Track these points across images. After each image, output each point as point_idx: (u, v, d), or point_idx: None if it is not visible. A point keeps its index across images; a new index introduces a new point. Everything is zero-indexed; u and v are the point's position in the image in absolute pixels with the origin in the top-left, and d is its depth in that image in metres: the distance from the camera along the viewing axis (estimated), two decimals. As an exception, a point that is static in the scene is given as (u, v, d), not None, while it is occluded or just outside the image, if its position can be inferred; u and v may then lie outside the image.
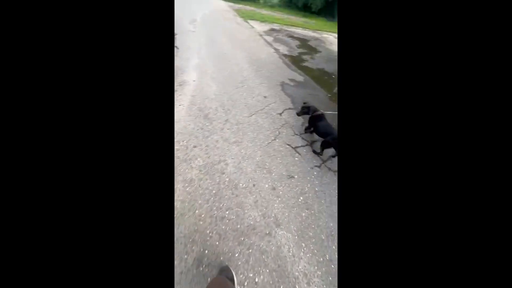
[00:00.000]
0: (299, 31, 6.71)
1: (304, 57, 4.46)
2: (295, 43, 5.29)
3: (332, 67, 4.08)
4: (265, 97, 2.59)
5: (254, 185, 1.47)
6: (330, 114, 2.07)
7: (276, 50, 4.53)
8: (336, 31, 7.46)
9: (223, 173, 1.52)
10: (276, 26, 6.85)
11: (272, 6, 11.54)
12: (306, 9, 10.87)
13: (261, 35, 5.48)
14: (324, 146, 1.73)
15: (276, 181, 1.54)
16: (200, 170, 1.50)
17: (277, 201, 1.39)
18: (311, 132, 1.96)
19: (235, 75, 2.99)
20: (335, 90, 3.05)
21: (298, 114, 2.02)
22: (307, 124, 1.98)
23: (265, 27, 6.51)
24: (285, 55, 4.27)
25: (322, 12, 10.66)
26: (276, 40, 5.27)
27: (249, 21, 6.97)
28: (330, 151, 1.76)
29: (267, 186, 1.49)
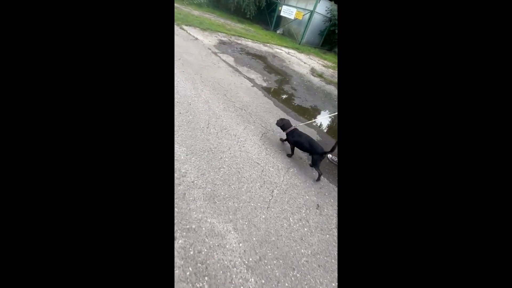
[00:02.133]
0: (250, 44, 5.74)
1: (286, 88, 3.61)
2: (260, 65, 4.30)
3: (319, 101, 3.52)
4: (318, 206, 1.52)
5: None
6: (302, 125, 2.23)
7: (251, 80, 3.35)
8: (280, 43, 7.21)
9: None
10: (222, 37, 5.48)
11: (199, 5, 9.66)
12: (238, 14, 9.97)
13: (215, 54, 4.02)
14: (317, 163, 1.67)
15: None
16: None
17: None
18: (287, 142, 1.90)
19: (247, 172, 1.57)
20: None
21: (277, 125, 1.88)
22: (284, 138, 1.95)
23: (212, 38, 4.98)
24: (267, 89, 3.20)
25: (255, 19, 10.20)
26: (239, 61, 4.02)
27: (185, 27, 5.12)
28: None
29: None
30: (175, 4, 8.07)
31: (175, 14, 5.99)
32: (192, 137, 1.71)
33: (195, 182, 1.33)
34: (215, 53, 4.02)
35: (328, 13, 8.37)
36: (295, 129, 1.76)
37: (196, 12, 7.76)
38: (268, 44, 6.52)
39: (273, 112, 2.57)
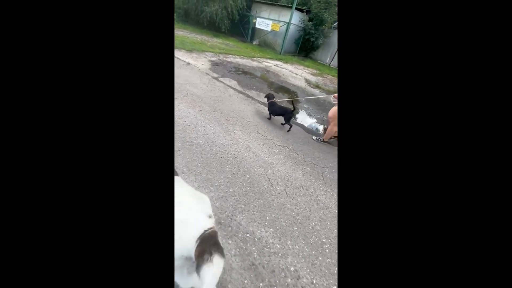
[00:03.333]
0: (240, 61, 5.50)
1: (300, 107, 3.48)
2: (263, 84, 4.09)
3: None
4: None
5: None
6: (283, 101, 2.86)
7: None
8: (263, 55, 7.17)
9: None
10: (211, 57, 5.09)
11: (168, 22, 8.96)
12: (211, 28, 9.63)
13: (217, 79, 3.64)
14: (288, 119, 2.39)
15: None
16: None
17: None
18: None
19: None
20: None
21: (266, 97, 2.63)
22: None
23: (202, 60, 4.54)
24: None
25: (230, 32, 10.02)
26: (243, 84, 3.71)
27: None
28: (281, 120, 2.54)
29: None
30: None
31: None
32: (266, 206, 1.37)
33: (316, 283, 1.02)
34: (216, 79, 3.64)
35: (301, 23, 8.76)
36: (273, 101, 2.49)
37: (168, 30, 7.16)
38: (255, 58, 6.39)
39: (312, 144, 2.38)
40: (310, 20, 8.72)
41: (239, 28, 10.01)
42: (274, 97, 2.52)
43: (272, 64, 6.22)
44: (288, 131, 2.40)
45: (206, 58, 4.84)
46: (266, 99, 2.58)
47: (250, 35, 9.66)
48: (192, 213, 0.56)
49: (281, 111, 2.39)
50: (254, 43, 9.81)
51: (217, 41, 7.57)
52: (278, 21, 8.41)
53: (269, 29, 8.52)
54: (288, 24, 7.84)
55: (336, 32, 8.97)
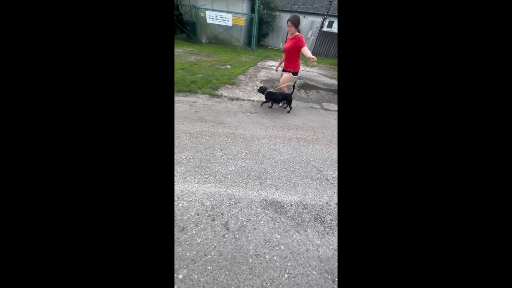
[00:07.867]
0: (262, 75, 4.51)
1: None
2: (332, 97, 3.76)
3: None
4: None
5: None
6: (276, 88, 2.89)
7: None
8: (254, 57, 6.24)
9: None
10: (246, 84, 3.77)
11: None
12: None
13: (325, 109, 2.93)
14: (290, 102, 2.73)
15: None
16: None
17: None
18: (268, 101, 2.77)
19: None
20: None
21: (259, 91, 2.77)
22: (264, 100, 2.79)
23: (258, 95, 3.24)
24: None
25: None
26: (309, 101, 2.72)
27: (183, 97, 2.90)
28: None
29: None
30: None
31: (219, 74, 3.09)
32: None
33: None
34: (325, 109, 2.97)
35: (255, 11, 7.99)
36: (271, 91, 2.65)
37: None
38: (258, 65, 5.44)
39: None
40: (264, 8, 8.15)
41: (179, 27, 7.64)
42: (266, 89, 2.70)
43: (269, 65, 5.61)
44: (288, 112, 2.72)
45: (250, 88, 3.62)
46: (261, 92, 2.70)
47: (199, 33, 7.74)
48: None
49: (281, 97, 2.65)
50: (203, 41, 8.06)
51: (180, 52, 5.58)
52: (229, 12, 7.24)
53: (230, 24, 7.22)
54: (254, 16, 6.99)
55: (282, 14, 9.11)
